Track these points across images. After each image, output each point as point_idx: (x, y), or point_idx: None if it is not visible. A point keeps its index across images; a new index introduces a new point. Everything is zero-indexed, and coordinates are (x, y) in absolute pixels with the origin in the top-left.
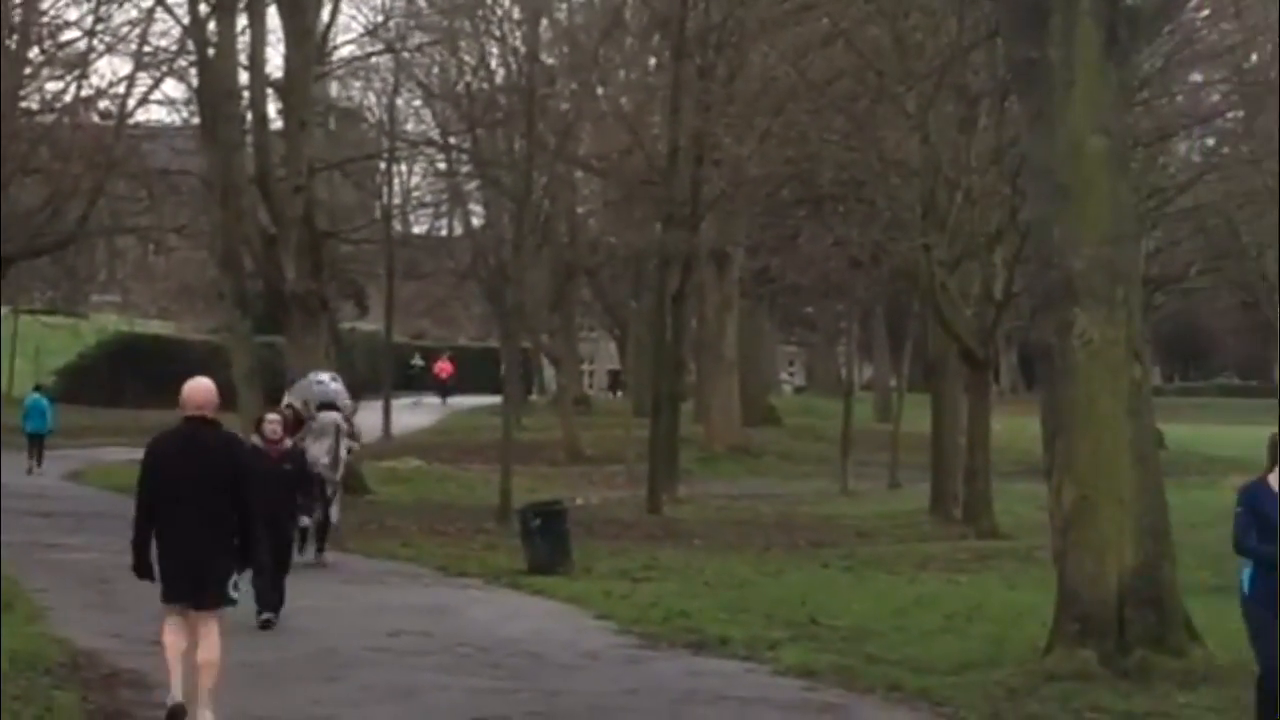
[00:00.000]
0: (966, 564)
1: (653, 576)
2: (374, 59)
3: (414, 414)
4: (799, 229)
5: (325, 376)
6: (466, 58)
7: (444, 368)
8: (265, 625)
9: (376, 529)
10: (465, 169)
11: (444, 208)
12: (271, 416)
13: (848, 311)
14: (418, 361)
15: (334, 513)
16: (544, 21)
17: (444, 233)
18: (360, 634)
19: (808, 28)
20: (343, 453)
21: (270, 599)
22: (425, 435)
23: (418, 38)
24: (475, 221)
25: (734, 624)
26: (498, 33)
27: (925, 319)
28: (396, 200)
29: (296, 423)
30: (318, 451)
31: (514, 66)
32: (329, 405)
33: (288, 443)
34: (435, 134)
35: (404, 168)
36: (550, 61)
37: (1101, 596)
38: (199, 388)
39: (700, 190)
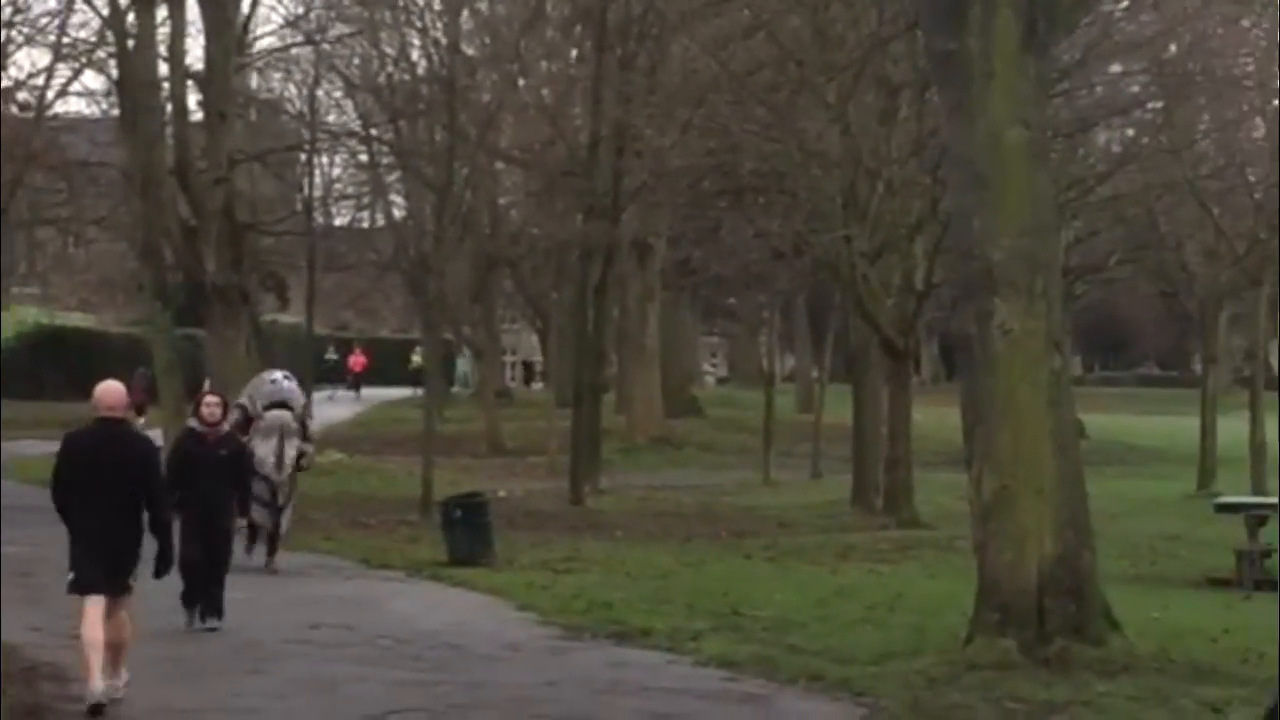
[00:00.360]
0: (888, 554)
1: (575, 568)
2: (294, 50)
3: (334, 406)
4: (720, 220)
5: (279, 375)
6: (387, 49)
7: (358, 361)
8: (211, 630)
9: (298, 522)
10: (386, 160)
11: (365, 199)
12: (210, 399)
13: (769, 302)
14: (331, 355)
15: (284, 520)
16: (465, 12)
17: (365, 224)
18: (282, 627)
19: (728, 19)
20: (290, 453)
21: (202, 601)
22: (346, 428)
23: (338, 29)
24: (397, 213)
25: (656, 615)
26: (419, 24)
27: (846, 310)
28: (318, 192)
29: (245, 422)
30: (264, 452)
31: (435, 58)
32: (280, 404)
33: (225, 427)
34: (356, 125)
35: (325, 159)
36: (471, 52)
37: (1021, 586)
38: (110, 390)
39: (622, 181)
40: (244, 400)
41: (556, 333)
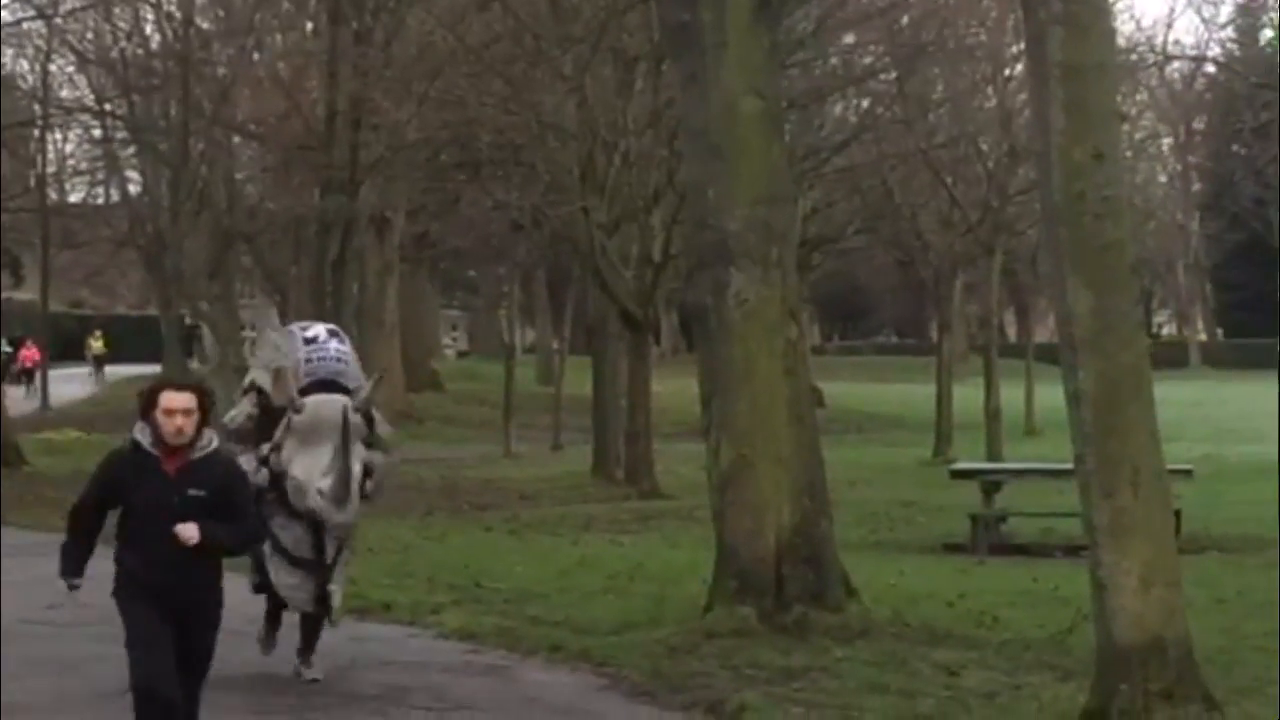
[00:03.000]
0: (628, 524)
1: None
2: (26, 25)
3: (70, 384)
4: (459, 193)
5: (320, 330)
6: (121, 23)
7: (28, 355)
8: None
9: (34, 501)
10: (121, 136)
11: (100, 175)
12: (177, 396)
13: (509, 275)
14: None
15: (335, 589)
16: None
17: (101, 200)
18: (18, 607)
19: None
20: (356, 470)
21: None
22: (84, 406)
23: (70, 3)
24: (132, 189)
25: (397, 589)
26: None
27: (586, 282)
28: (51, 168)
29: (268, 415)
30: (306, 470)
31: (169, 31)
32: (329, 384)
33: (212, 442)
34: (90, 100)
35: (58, 135)
36: (206, 26)
37: (760, 554)
38: None
39: (359, 155)
40: (256, 375)
41: (295, 308)
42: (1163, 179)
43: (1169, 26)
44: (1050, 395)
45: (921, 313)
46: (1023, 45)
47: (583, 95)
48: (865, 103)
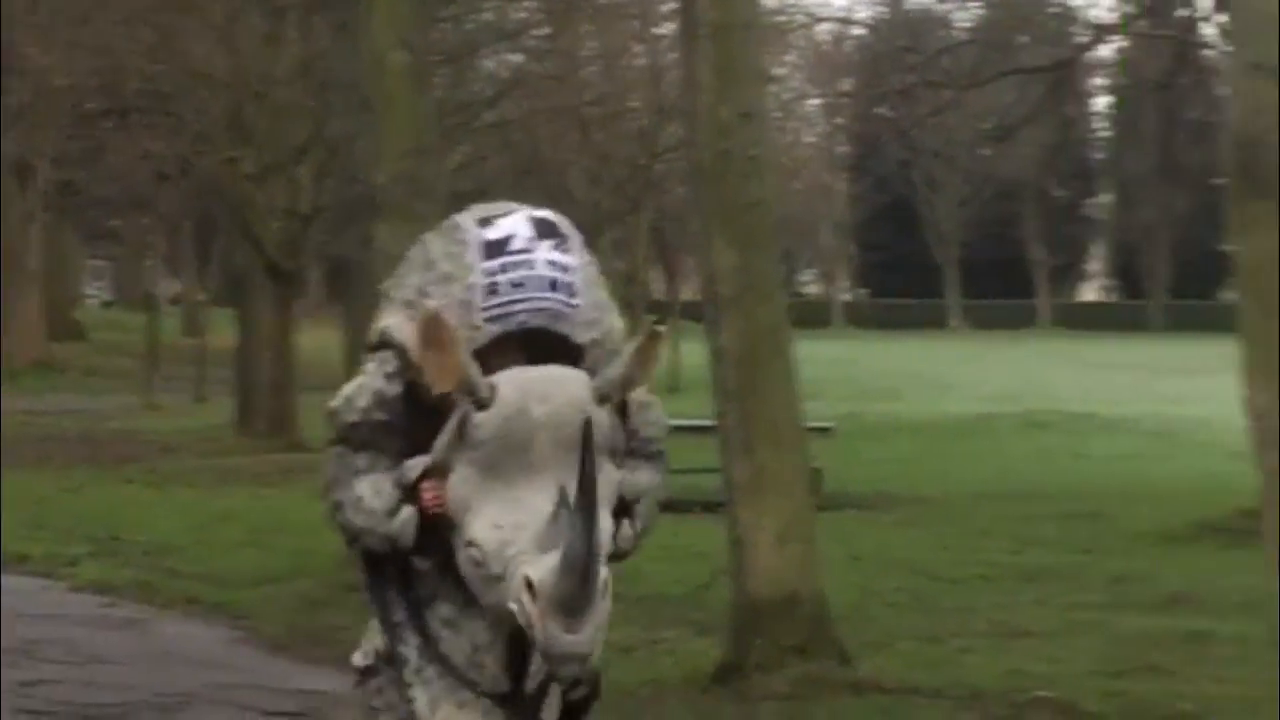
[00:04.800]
0: (271, 477)
1: None
2: None
3: None
4: (105, 141)
5: (518, 224)
6: None
7: None
8: None
9: None
10: None
11: None
12: None
13: (154, 225)
14: None
15: None
16: None
17: None
18: None
19: None
20: (606, 534)
21: None
22: None
23: None
24: None
25: (33, 541)
26: None
27: (233, 233)
28: None
29: (418, 398)
30: (501, 524)
31: None
32: (539, 339)
33: None
34: None
35: None
36: None
37: None
38: None
39: (2, 101)
40: (392, 323)
41: None
42: (810, 139)
43: None
44: (695, 352)
45: None
46: (674, 3)
47: (232, 44)
48: (518, 58)
